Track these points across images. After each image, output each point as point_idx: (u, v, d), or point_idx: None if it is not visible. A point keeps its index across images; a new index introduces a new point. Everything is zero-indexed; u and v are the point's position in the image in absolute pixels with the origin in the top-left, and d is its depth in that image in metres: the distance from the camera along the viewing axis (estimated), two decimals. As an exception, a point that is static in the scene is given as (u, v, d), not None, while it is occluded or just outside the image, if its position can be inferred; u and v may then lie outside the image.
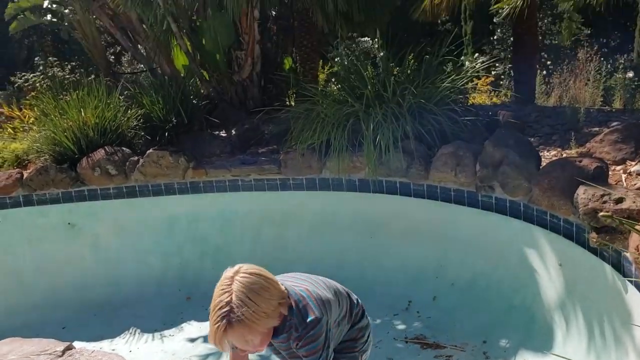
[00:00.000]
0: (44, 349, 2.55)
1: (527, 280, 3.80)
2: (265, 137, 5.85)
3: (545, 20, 13.90)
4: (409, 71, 5.12)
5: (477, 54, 10.70)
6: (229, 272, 1.77)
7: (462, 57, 7.02)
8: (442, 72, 4.96)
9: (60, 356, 2.49)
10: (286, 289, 1.91)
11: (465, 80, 4.89)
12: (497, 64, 11.97)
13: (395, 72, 5.07)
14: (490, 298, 3.99)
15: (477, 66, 5.36)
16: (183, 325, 4.66)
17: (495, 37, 14.17)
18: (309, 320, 1.86)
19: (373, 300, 4.53)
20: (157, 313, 4.90)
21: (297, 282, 1.99)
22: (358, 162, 4.70)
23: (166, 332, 4.58)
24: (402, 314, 4.32)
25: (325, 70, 7.98)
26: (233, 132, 5.97)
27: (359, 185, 4.85)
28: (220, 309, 1.71)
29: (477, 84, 8.14)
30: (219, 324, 1.69)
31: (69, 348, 2.58)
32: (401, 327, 4.18)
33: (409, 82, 4.71)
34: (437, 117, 4.58)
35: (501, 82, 11.42)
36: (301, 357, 1.95)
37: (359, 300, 2.34)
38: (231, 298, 1.70)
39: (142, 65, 8.78)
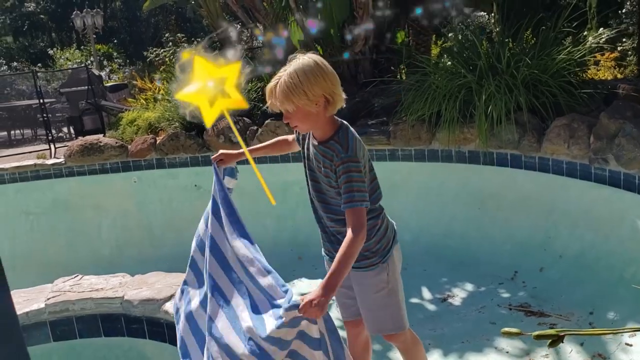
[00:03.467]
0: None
1: (640, 254, 3.74)
2: (375, 109, 6.02)
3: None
4: (524, 43, 5.07)
5: (601, 28, 10.13)
6: (302, 53, 2.08)
7: (585, 32, 6.75)
8: (559, 44, 4.86)
9: (197, 288, 2.87)
10: (342, 122, 2.19)
11: (584, 52, 4.76)
12: (624, 39, 11.22)
13: (510, 45, 5.04)
14: (599, 270, 3.96)
15: (599, 40, 5.18)
16: (295, 281, 5.00)
17: (623, 10, 13.26)
18: (349, 151, 2.08)
19: (478, 268, 4.64)
20: (272, 269, 5.29)
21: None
22: (469, 134, 4.76)
23: (280, 287, 4.95)
24: (507, 283, 4.38)
25: (439, 44, 7.98)
26: (344, 104, 6.19)
27: (469, 156, 4.92)
28: (279, 72, 2.05)
29: (599, 60, 7.77)
30: (272, 83, 2.05)
31: (204, 283, 2.96)
32: (505, 295, 4.25)
33: (524, 53, 4.68)
34: (552, 89, 4.53)
35: (628, 59, 10.73)
36: (326, 185, 2.16)
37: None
38: (287, 70, 2.02)
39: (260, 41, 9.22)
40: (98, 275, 3.07)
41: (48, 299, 2.82)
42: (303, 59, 2.04)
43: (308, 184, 2.32)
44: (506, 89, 4.54)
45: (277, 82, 2.03)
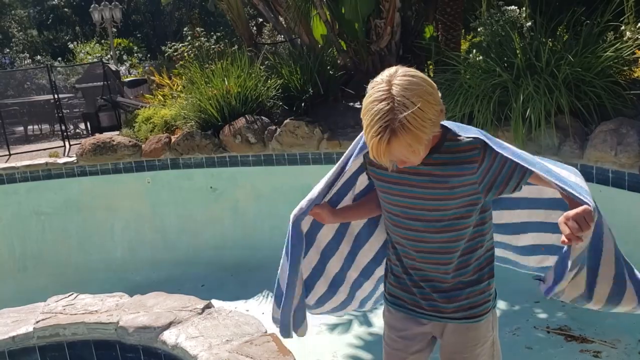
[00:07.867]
0: (185, 305, 2.66)
1: (699, 277, 3.33)
2: (402, 109, 5.67)
3: None
4: (564, 40, 4.67)
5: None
6: (383, 76, 1.54)
7: (623, 27, 6.31)
8: (603, 41, 4.46)
9: (200, 313, 2.57)
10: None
11: (633, 49, 4.35)
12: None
13: (548, 42, 4.65)
14: (650, 293, 3.57)
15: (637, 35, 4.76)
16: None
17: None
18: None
19: (512, 285, 4.24)
20: (289, 279, 4.99)
21: None
22: (504, 137, 4.36)
23: (297, 299, 4.64)
24: (544, 302, 4.02)
25: (469, 39, 7.58)
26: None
27: (503, 162, 4.54)
28: (380, 118, 1.49)
29: (638, 57, 7.31)
30: (382, 134, 1.48)
31: (208, 306, 2.66)
32: (542, 315, 3.89)
33: (565, 50, 4.29)
34: (596, 90, 4.13)
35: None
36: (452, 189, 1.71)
37: None
38: (392, 105, 1.48)
39: (282, 36, 8.93)
40: (94, 295, 2.79)
41: (37, 321, 2.55)
42: (400, 82, 1.51)
43: (403, 218, 1.81)
44: (546, 90, 4.16)
45: (390, 132, 1.48)
